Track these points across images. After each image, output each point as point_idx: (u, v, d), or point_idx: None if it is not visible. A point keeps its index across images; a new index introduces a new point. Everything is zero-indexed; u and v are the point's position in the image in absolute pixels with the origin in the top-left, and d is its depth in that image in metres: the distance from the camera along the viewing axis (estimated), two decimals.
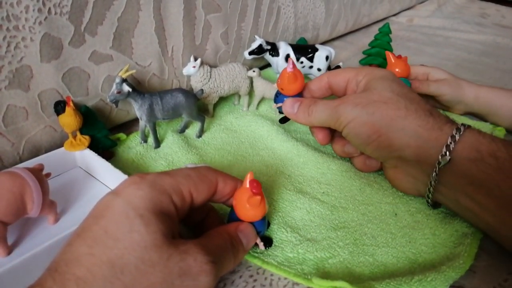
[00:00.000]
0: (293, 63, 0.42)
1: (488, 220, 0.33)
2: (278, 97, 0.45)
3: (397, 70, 0.55)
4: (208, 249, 0.26)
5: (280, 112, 0.47)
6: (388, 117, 0.36)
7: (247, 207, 0.30)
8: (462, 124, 0.35)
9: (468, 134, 0.34)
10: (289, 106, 0.43)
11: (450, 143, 0.33)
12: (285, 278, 0.32)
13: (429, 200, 0.38)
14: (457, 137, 0.33)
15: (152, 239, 0.24)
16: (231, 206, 0.32)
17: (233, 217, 0.31)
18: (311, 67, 0.62)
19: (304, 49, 0.62)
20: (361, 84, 0.41)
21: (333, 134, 0.46)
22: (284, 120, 0.50)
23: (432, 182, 0.35)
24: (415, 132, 0.35)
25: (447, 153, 0.33)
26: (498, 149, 0.32)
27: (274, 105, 0.45)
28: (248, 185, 0.30)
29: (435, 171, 0.34)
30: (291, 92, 0.43)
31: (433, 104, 0.59)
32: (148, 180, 0.27)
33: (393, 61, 0.55)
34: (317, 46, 0.63)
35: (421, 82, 0.57)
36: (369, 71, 0.41)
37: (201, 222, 0.33)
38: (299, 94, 0.44)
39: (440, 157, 0.34)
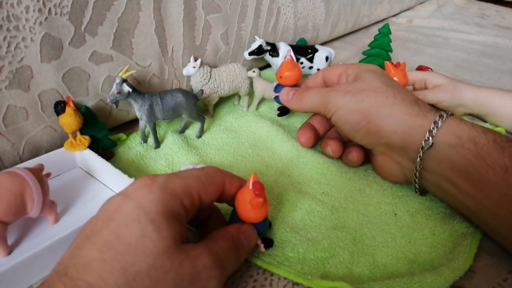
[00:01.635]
0: (290, 54, 0.47)
1: (467, 204, 0.35)
2: (277, 88, 0.48)
3: (394, 79, 0.55)
4: (216, 253, 0.26)
5: (279, 109, 0.51)
6: (376, 104, 0.38)
7: (249, 209, 0.30)
8: (445, 112, 0.36)
9: (450, 121, 0.35)
10: (285, 94, 0.46)
11: (433, 128, 0.35)
12: (285, 278, 0.32)
13: (416, 186, 0.39)
14: (439, 123, 0.35)
15: (164, 246, 0.24)
16: (234, 206, 0.32)
17: (234, 218, 0.31)
18: (311, 67, 0.62)
19: (304, 50, 0.62)
20: (350, 76, 0.43)
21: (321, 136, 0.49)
22: (282, 113, 0.52)
23: (417, 167, 0.37)
24: (401, 118, 0.37)
25: (430, 138, 0.35)
26: (477, 135, 0.34)
27: (273, 94, 0.49)
28: (251, 187, 0.30)
29: (419, 156, 0.36)
30: (289, 80, 0.46)
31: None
32: (159, 183, 0.26)
33: (392, 71, 0.55)
34: (317, 46, 0.63)
35: (417, 93, 0.57)
36: (358, 65, 0.44)
37: (204, 221, 0.33)
38: (297, 86, 0.47)
39: (423, 142, 0.35)
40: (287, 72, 0.46)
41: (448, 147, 0.34)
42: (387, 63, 0.56)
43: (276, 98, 0.48)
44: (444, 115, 0.36)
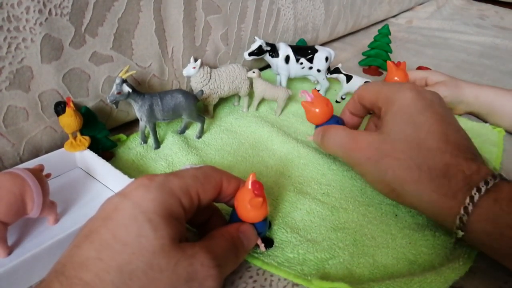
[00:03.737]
0: (308, 93, 0.43)
1: None
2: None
3: (396, 78, 0.55)
4: (214, 252, 0.26)
5: None
6: (400, 179, 0.34)
7: (249, 208, 0.30)
8: (478, 188, 0.30)
9: (483, 204, 0.30)
10: (315, 138, 0.43)
11: (463, 214, 0.30)
12: (285, 279, 0.32)
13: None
14: (470, 208, 0.30)
15: (160, 244, 0.24)
16: (233, 207, 0.32)
17: (234, 218, 0.31)
18: (310, 68, 0.62)
19: (303, 50, 0.62)
20: (381, 116, 0.38)
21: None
22: None
23: (453, 240, 0.33)
24: (429, 198, 0.32)
25: (461, 224, 0.31)
26: None
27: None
28: (250, 186, 0.30)
29: (454, 237, 0.32)
30: (315, 119, 0.44)
31: None
32: (157, 182, 0.26)
33: (394, 71, 0.55)
34: (317, 47, 0.63)
35: None
36: (387, 95, 0.37)
37: (205, 223, 0.33)
38: (335, 121, 0.44)
39: (454, 227, 0.31)
40: (309, 113, 0.43)
41: (484, 235, 0.30)
42: (389, 63, 0.56)
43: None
44: (476, 194, 0.30)
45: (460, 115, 0.60)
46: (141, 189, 0.26)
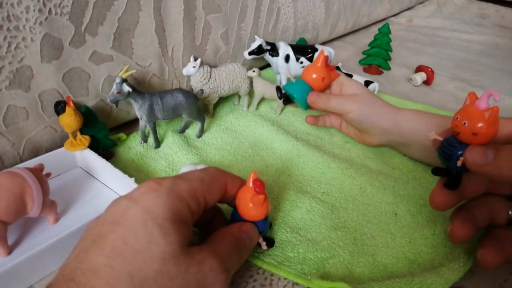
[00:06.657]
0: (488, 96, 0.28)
1: None
2: (456, 147, 0.30)
3: (314, 76, 0.45)
4: (221, 256, 0.26)
5: (450, 173, 0.32)
6: None
7: (250, 206, 0.30)
8: None
9: None
10: (479, 155, 0.29)
11: None
12: (285, 278, 0.32)
13: None
14: None
15: (171, 251, 0.24)
16: (234, 207, 0.32)
17: (235, 217, 0.31)
18: None
19: (303, 49, 0.62)
20: None
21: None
22: (452, 184, 0.33)
23: None
24: None
25: None
26: None
27: (460, 162, 0.29)
28: (251, 184, 0.30)
29: None
30: (484, 137, 0.28)
31: (346, 129, 0.51)
32: (165, 187, 0.26)
33: (319, 64, 0.45)
34: (317, 46, 0.63)
35: (319, 95, 0.46)
36: None
37: (207, 223, 0.33)
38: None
39: None
40: (489, 127, 0.28)
41: None
42: (320, 53, 0.46)
43: (453, 165, 0.30)
44: None
45: (373, 146, 0.48)
46: (150, 194, 0.26)
